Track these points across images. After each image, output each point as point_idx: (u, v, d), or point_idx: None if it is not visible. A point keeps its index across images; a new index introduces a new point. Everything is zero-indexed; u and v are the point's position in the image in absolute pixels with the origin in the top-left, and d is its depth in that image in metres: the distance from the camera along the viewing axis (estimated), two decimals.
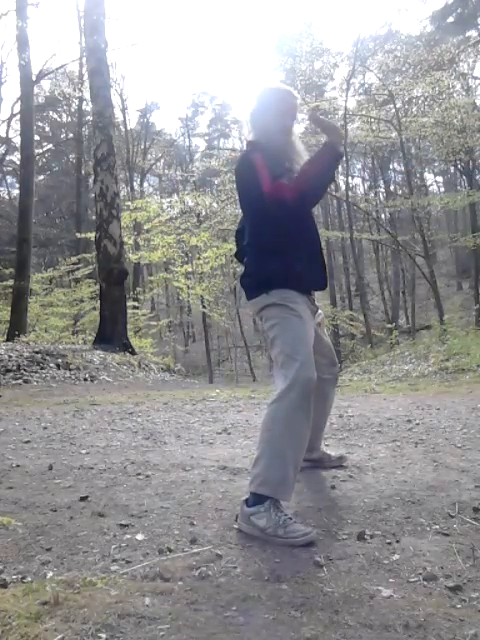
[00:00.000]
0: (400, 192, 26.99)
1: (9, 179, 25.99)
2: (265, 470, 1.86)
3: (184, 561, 1.60)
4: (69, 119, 26.60)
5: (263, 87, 2.31)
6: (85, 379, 7.46)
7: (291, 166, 2.17)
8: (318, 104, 2.67)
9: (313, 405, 2.00)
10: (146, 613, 1.30)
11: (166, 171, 29.46)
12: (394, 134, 15.49)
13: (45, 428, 3.71)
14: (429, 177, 32.03)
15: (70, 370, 7.64)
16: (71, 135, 24.49)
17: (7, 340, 10.18)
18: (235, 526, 1.88)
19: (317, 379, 2.01)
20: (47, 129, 27.43)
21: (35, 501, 2.13)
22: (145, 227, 15.21)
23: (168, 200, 17.26)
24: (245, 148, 2.35)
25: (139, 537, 1.79)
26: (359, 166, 30.27)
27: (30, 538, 1.77)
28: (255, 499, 1.86)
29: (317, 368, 2.04)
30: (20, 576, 1.50)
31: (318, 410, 2.43)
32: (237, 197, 2.39)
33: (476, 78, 18.85)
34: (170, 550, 1.68)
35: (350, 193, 19.09)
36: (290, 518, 1.82)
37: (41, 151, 24.61)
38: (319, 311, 2.34)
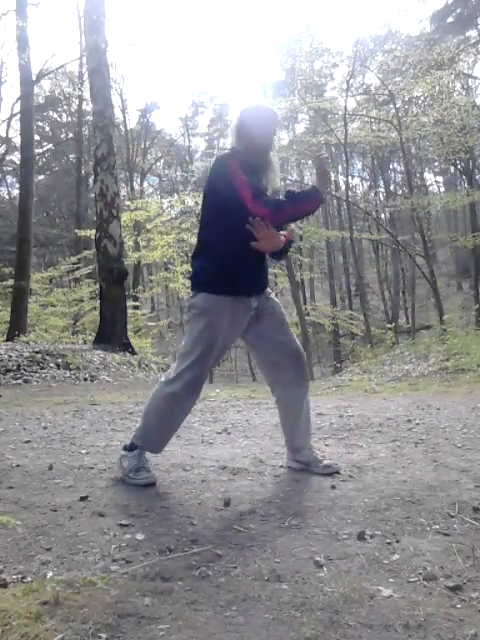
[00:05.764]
0: (400, 192, 27.03)
1: (9, 179, 25.99)
2: (142, 429, 2.37)
3: (184, 561, 1.60)
4: (69, 119, 26.57)
5: (252, 104, 2.44)
6: (85, 379, 7.46)
7: (266, 185, 2.34)
8: (325, 154, 2.79)
9: (282, 405, 2.50)
10: (146, 613, 1.30)
11: (166, 171, 29.44)
12: (394, 134, 15.49)
13: (45, 428, 3.71)
14: (429, 177, 32.06)
15: (70, 370, 7.63)
16: (71, 135, 24.46)
17: (7, 340, 10.17)
18: (235, 527, 1.88)
19: (273, 363, 2.43)
20: (47, 129, 27.39)
21: (35, 501, 2.13)
22: (147, 227, 15.20)
23: (168, 200, 17.25)
24: (224, 153, 2.47)
25: (139, 537, 1.79)
26: (359, 166, 30.26)
27: (30, 538, 1.77)
28: (130, 446, 2.37)
29: (274, 354, 2.41)
30: (20, 576, 1.50)
31: (284, 398, 2.51)
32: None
33: (476, 78, 18.87)
34: (170, 550, 1.68)
35: (350, 193, 19.11)
36: (144, 468, 2.33)
37: (41, 151, 24.61)
38: (272, 306, 2.43)
